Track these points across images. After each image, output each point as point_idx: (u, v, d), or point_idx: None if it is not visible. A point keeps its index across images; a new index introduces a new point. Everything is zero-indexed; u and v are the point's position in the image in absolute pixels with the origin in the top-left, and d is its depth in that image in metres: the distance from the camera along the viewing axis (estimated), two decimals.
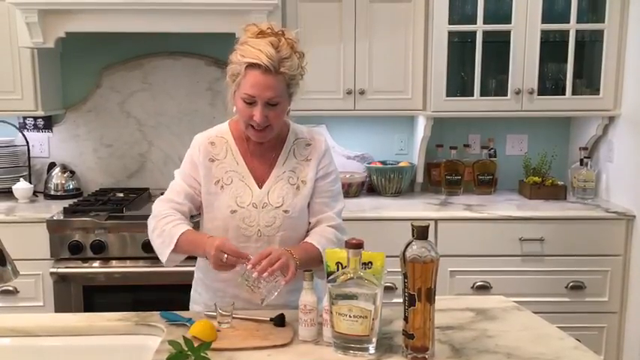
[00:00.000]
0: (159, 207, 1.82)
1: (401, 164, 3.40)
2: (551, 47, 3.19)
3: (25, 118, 3.42)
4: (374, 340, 1.46)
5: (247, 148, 1.83)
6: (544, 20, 3.08)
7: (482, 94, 3.16)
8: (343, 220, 1.89)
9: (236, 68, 1.69)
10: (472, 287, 2.99)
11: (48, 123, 3.45)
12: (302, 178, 1.82)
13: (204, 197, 1.81)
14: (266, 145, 1.81)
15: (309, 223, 1.84)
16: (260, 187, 1.80)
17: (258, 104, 1.68)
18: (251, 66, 1.65)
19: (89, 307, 2.84)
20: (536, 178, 3.33)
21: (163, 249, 1.75)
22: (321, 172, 1.84)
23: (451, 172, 3.40)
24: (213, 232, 1.80)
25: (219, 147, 1.83)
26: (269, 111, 1.69)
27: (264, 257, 1.60)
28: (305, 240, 1.79)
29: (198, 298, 1.90)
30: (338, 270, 1.52)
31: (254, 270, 1.58)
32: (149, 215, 1.84)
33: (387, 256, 1.54)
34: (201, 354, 1.38)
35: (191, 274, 1.98)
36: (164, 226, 1.75)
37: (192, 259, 1.95)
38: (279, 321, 1.62)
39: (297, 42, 1.71)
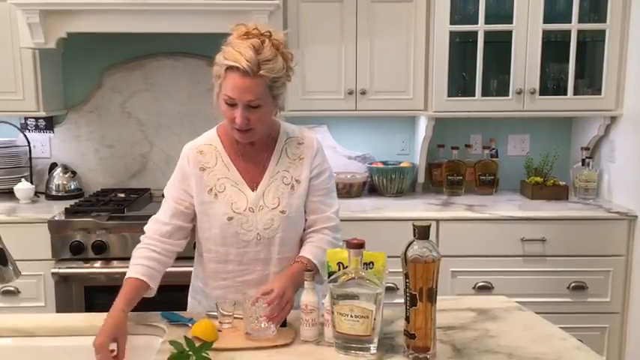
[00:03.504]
0: (146, 229, 1.79)
1: (402, 164, 3.40)
2: (553, 47, 3.18)
3: (26, 118, 3.42)
4: (375, 340, 1.46)
5: (238, 152, 1.81)
6: (546, 20, 3.08)
7: (484, 94, 3.16)
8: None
9: (218, 70, 1.69)
10: (474, 287, 2.98)
11: (49, 123, 3.45)
12: (296, 178, 1.80)
13: (198, 207, 1.78)
14: (257, 146, 1.80)
15: (306, 220, 1.84)
16: (254, 190, 1.78)
17: (239, 106, 1.67)
18: (230, 68, 1.64)
19: (90, 307, 2.84)
20: (538, 179, 3.32)
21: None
22: (315, 170, 1.83)
23: (453, 172, 3.39)
24: (210, 240, 1.79)
25: (208, 155, 1.81)
26: (250, 114, 1.67)
27: (277, 297, 1.57)
28: (302, 254, 1.76)
29: (198, 307, 1.89)
30: (339, 270, 1.52)
31: (264, 316, 1.55)
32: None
33: (388, 257, 1.54)
34: (203, 354, 1.38)
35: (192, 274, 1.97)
36: (132, 259, 1.74)
37: (190, 259, 1.94)
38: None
39: (284, 43, 1.69)
